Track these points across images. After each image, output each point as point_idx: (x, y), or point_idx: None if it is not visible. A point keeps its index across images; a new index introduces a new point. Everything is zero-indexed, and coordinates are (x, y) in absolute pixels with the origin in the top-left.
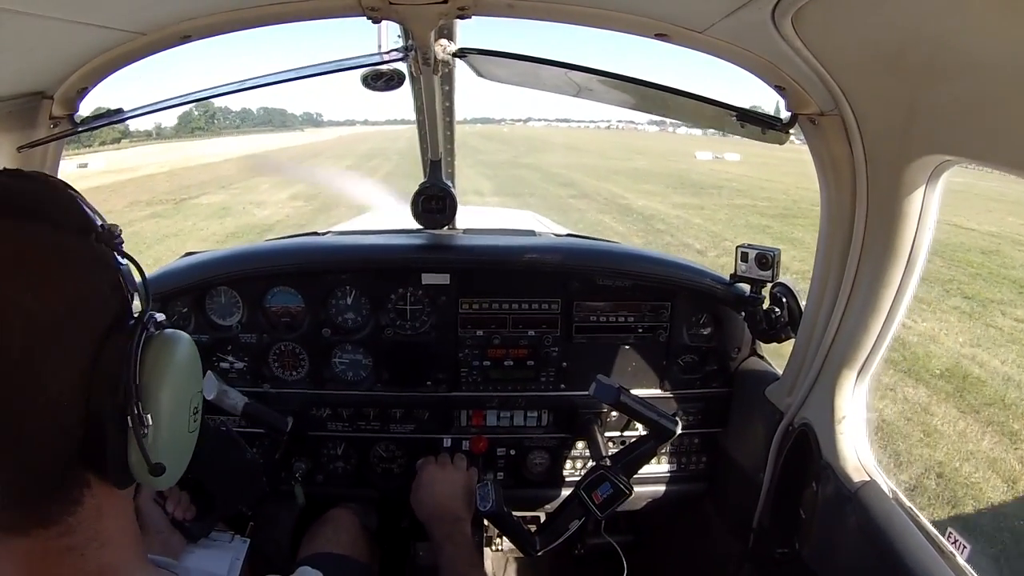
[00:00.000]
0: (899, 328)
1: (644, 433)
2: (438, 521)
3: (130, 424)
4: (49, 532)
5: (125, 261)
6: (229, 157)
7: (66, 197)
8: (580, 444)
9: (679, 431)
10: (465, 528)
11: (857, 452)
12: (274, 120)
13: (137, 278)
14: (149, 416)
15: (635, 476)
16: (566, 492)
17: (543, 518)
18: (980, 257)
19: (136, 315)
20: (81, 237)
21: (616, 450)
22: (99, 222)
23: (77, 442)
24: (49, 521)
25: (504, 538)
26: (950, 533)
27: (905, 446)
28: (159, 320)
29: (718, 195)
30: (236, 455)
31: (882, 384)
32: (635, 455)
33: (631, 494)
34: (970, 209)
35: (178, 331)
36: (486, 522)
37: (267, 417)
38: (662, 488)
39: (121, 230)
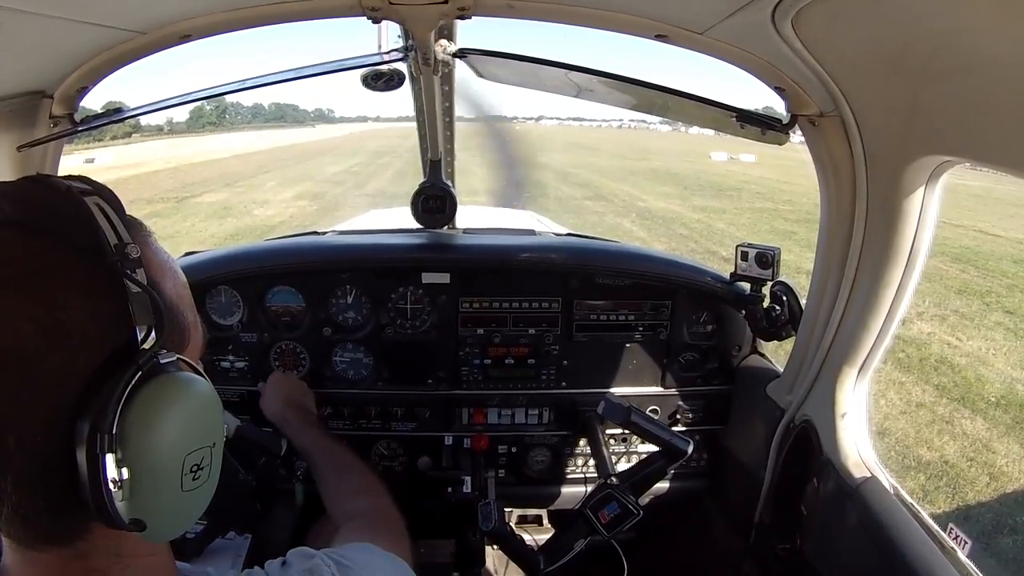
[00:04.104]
0: (899, 326)
1: (653, 449)
2: (293, 411)
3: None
4: (65, 552)
5: (138, 288)
6: (237, 153)
7: (81, 210)
8: (582, 441)
9: (691, 451)
10: (315, 420)
11: (858, 448)
12: (286, 116)
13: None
14: (125, 471)
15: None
16: (567, 489)
17: (544, 515)
18: (1013, 267)
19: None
20: (85, 256)
21: (621, 464)
22: (113, 241)
23: (63, 483)
24: (61, 543)
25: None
26: (951, 529)
27: (974, 494)
28: (175, 359)
29: (738, 198)
30: (228, 477)
31: (938, 416)
32: (644, 474)
33: (640, 515)
34: (992, 215)
35: (194, 376)
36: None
37: (261, 439)
38: (663, 486)
39: (140, 252)
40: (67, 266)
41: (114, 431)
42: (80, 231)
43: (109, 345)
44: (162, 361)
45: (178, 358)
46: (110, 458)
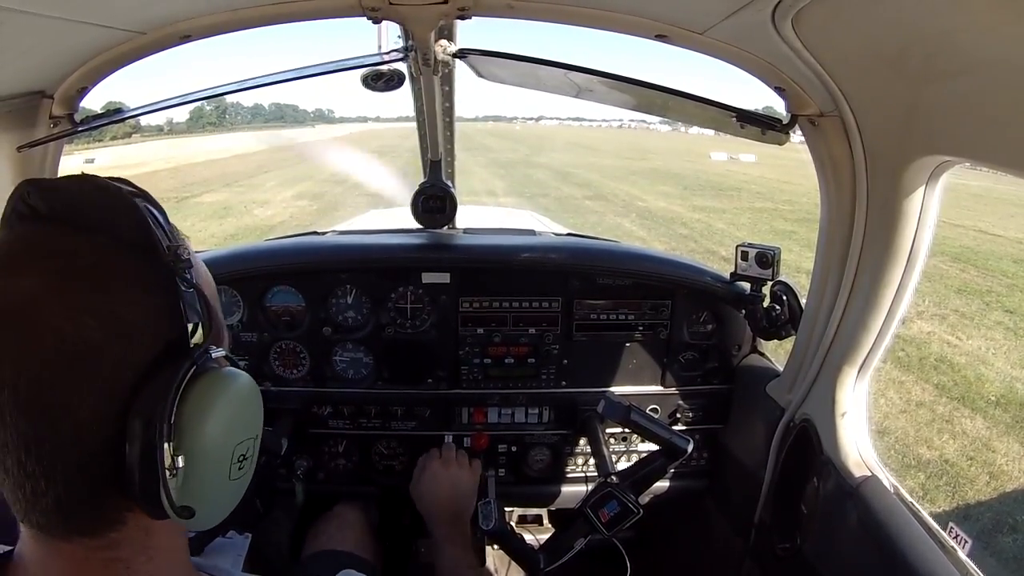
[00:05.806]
0: (899, 326)
1: (653, 448)
2: (439, 520)
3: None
4: (93, 542)
5: (188, 288)
6: (237, 153)
7: (132, 211)
8: (582, 440)
9: (691, 450)
10: (465, 529)
11: (858, 447)
12: (286, 116)
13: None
14: (181, 458)
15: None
16: (567, 488)
17: (544, 515)
18: (1013, 266)
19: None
20: (139, 255)
21: (621, 463)
22: (166, 242)
23: (109, 471)
24: (91, 533)
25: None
26: (951, 528)
27: (974, 493)
28: (220, 355)
29: (738, 198)
30: None
31: (938, 415)
32: (644, 473)
33: (640, 513)
34: (993, 214)
35: (239, 371)
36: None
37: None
38: (663, 485)
39: (190, 253)
40: (123, 263)
41: (172, 420)
42: (134, 230)
43: (162, 340)
44: (213, 356)
45: (224, 354)
46: (167, 447)
